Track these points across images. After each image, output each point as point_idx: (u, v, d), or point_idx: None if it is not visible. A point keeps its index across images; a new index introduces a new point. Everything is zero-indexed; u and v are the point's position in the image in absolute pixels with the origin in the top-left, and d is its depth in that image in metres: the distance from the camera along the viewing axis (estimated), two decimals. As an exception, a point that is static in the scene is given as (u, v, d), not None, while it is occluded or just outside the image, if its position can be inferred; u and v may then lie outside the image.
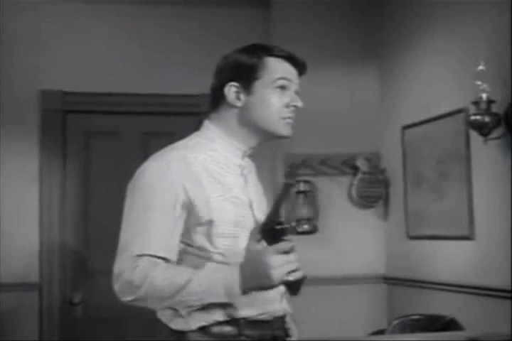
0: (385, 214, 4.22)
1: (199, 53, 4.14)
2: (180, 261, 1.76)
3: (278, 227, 1.73)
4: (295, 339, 1.93)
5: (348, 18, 4.30)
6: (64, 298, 3.98)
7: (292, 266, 1.71)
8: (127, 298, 1.69)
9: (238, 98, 1.83)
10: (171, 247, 1.74)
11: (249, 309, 1.76)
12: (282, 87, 1.83)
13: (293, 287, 1.71)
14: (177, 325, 1.75)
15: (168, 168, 1.75)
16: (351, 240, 4.17)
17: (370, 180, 4.15)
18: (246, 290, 1.65)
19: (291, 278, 1.68)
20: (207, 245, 1.77)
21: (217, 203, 1.77)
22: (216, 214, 1.76)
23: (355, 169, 4.17)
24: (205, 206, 1.75)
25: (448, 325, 3.17)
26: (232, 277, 1.65)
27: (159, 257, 1.70)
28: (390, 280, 4.13)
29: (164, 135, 3.75)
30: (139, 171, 1.80)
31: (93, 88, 4.05)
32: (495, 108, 3.02)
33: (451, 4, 3.53)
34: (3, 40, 3.99)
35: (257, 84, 1.83)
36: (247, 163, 1.95)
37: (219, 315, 1.73)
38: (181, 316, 1.74)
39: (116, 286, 1.70)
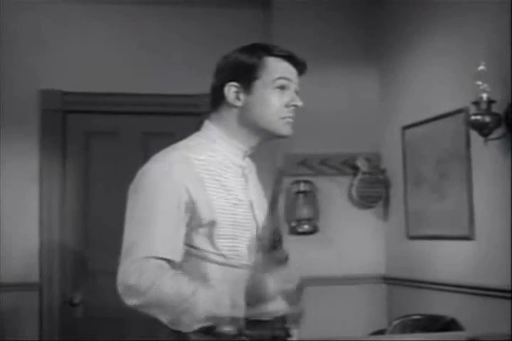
0: (385, 215, 4.22)
1: (199, 53, 4.14)
2: (182, 263, 1.76)
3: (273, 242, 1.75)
4: (295, 339, 1.93)
5: (349, 19, 4.30)
6: (64, 298, 3.98)
7: (289, 282, 1.70)
8: (132, 302, 1.68)
9: (238, 98, 1.83)
10: (175, 249, 1.74)
11: (248, 309, 1.76)
12: (282, 87, 1.83)
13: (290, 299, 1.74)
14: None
15: (170, 169, 1.75)
16: (351, 240, 4.17)
17: (370, 180, 4.15)
18: (250, 302, 1.65)
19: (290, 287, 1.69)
20: (208, 246, 1.77)
21: (219, 204, 1.77)
22: (217, 215, 1.76)
23: (355, 169, 4.18)
24: (206, 207, 1.75)
25: (448, 325, 3.17)
26: (238, 290, 1.66)
27: (165, 259, 1.70)
28: (390, 281, 4.13)
29: (164, 135, 3.75)
30: (140, 172, 1.80)
31: (93, 88, 4.05)
32: (495, 108, 3.02)
33: (451, 4, 3.53)
34: (3, 40, 3.99)
35: (257, 84, 1.83)
36: (248, 163, 1.95)
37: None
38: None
39: (121, 289, 1.69)
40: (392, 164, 4.13)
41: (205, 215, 1.75)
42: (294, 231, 4.10)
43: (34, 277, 3.94)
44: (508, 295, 3.00)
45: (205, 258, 1.77)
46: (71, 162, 4.11)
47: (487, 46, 3.21)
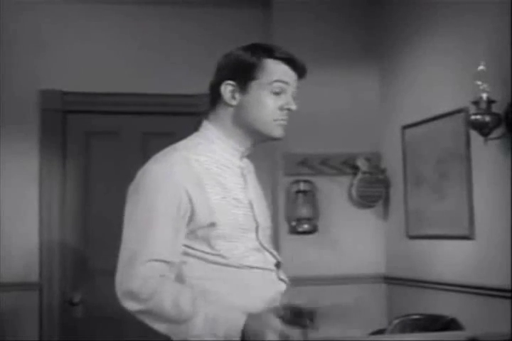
0: (385, 214, 4.22)
1: (199, 53, 4.14)
2: (181, 264, 1.76)
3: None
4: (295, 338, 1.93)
5: (349, 19, 4.30)
6: (64, 297, 3.98)
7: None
8: (131, 307, 1.69)
9: (233, 97, 1.84)
10: (176, 251, 1.74)
11: (249, 309, 1.76)
12: (278, 90, 1.83)
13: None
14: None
15: (171, 170, 1.75)
16: (351, 240, 4.17)
17: (370, 179, 4.15)
18: (245, 339, 1.64)
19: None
20: (207, 247, 1.77)
21: (219, 205, 1.77)
22: (217, 216, 1.76)
23: (355, 169, 4.17)
24: (206, 208, 1.75)
25: (448, 324, 3.17)
26: (237, 322, 1.64)
27: (166, 261, 1.71)
28: (390, 280, 4.13)
29: (164, 135, 3.75)
30: (140, 172, 1.80)
31: (93, 88, 4.05)
32: (495, 108, 3.01)
33: (451, 4, 3.53)
34: (3, 40, 3.99)
35: (253, 85, 1.83)
36: (246, 163, 1.95)
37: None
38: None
39: (122, 292, 1.70)
40: (392, 164, 4.13)
41: (205, 216, 1.75)
42: (293, 231, 4.10)
43: (34, 277, 3.94)
44: (508, 294, 3.00)
45: (204, 259, 1.77)
46: (71, 162, 4.11)
47: (487, 46, 3.21)
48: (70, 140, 4.11)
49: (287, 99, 1.84)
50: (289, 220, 4.13)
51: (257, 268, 1.81)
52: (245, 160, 1.95)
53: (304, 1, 4.22)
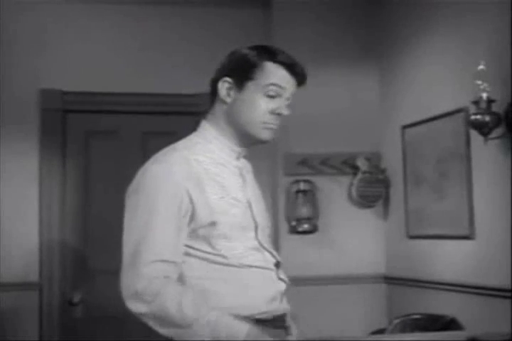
0: (385, 214, 4.22)
1: (199, 53, 4.14)
2: (182, 264, 1.76)
3: None
4: (295, 338, 1.93)
5: (349, 19, 4.30)
6: (64, 297, 3.98)
7: None
8: (137, 309, 1.69)
9: (229, 94, 1.84)
10: (178, 251, 1.75)
11: (249, 308, 1.76)
12: (273, 93, 1.83)
13: None
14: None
15: (171, 171, 1.75)
16: (351, 239, 4.17)
17: (370, 179, 4.15)
18: None
19: None
20: (208, 247, 1.77)
21: (218, 205, 1.77)
22: (217, 216, 1.76)
23: (355, 169, 4.17)
24: (206, 208, 1.75)
25: (448, 324, 3.17)
26: (240, 330, 1.66)
27: (169, 261, 1.71)
28: (390, 280, 4.13)
29: (164, 135, 3.75)
30: (140, 173, 1.80)
31: (93, 88, 4.05)
32: (495, 107, 3.01)
33: (451, 4, 3.53)
34: (3, 40, 3.99)
35: (250, 85, 1.83)
36: (244, 163, 1.96)
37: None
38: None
39: (127, 292, 1.70)
40: (392, 163, 4.13)
41: (205, 216, 1.75)
42: (293, 231, 4.10)
43: (34, 276, 3.94)
44: (508, 294, 3.00)
45: (204, 259, 1.77)
46: (71, 161, 4.11)
47: (487, 46, 3.21)
48: (69, 140, 4.11)
49: (280, 104, 1.84)
50: (289, 220, 4.13)
51: (256, 267, 1.81)
52: (243, 160, 1.95)
53: (304, 1, 4.22)
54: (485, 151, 3.16)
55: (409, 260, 3.93)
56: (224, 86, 1.85)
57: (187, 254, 1.77)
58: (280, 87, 1.83)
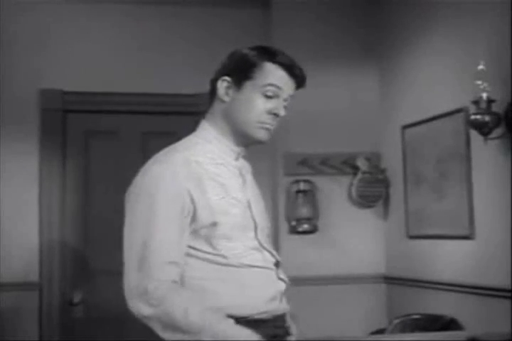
0: (385, 214, 4.22)
1: (199, 53, 4.14)
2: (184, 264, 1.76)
3: None
4: (295, 338, 1.93)
5: (349, 19, 4.30)
6: (64, 297, 3.98)
7: None
8: (143, 312, 1.68)
9: (227, 93, 1.85)
10: (182, 251, 1.75)
11: (248, 308, 1.76)
12: (271, 93, 1.83)
13: None
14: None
15: (172, 171, 1.75)
16: (351, 239, 4.17)
17: (370, 179, 4.15)
18: None
19: None
20: (208, 247, 1.77)
21: (219, 205, 1.78)
22: (218, 216, 1.76)
23: (355, 169, 4.17)
24: (207, 209, 1.76)
25: (448, 324, 3.17)
26: (248, 334, 1.67)
27: (175, 263, 1.71)
28: (390, 280, 4.13)
29: (164, 135, 3.75)
30: (141, 174, 1.80)
31: (93, 88, 4.05)
32: (495, 107, 3.01)
33: (451, 5, 3.53)
34: (3, 40, 3.99)
35: (248, 84, 1.83)
36: (243, 163, 1.96)
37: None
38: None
39: (136, 292, 1.69)
40: (392, 163, 4.13)
41: (206, 216, 1.75)
42: (293, 231, 4.10)
43: (34, 276, 3.94)
44: (508, 294, 3.00)
45: (204, 259, 1.77)
46: (71, 162, 4.11)
47: (487, 46, 3.21)
48: (69, 140, 4.11)
49: (278, 104, 1.84)
50: (289, 220, 4.13)
51: (256, 267, 1.81)
52: (242, 160, 1.95)
53: (304, 1, 4.22)
54: (485, 151, 3.16)
55: (409, 260, 3.93)
56: (223, 85, 1.85)
57: (187, 255, 1.77)
58: (278, 87, 1.84)
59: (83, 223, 4.09)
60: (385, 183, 4.18)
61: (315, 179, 4.16)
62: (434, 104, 3.67)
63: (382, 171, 4.19)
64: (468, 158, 3.35)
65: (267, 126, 1.85)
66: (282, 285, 1.86)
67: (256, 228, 1.86)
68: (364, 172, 4.15)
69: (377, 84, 4.30)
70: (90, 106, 4.12)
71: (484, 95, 2.99)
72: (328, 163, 4.18)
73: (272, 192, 4.16)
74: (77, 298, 3.98)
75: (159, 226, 1.71)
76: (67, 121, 4.11)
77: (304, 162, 4.15)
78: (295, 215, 4.09)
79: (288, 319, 1.90)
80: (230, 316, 1.72)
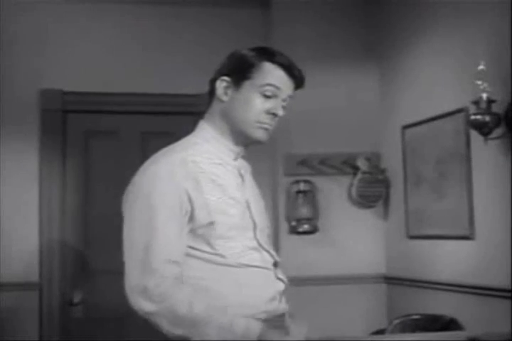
0: (385, 214, 4.22)
1: (199, 53, 4.14)
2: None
3: None
4: (295, 338, 1.93)
5: (348, 18, 4.30)
6: (64, 298, 3.98)
7: None
8: (145, 308, 1.68)
9: (226, 93, 1.86)
10: (182, 250, 1.75)
11: (247, 308, 1.76)
12: (269, 93, 1.84)
13: None
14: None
15: (170, 171, 1.75)
16: (351, 240, 4.17)
17: (370, 179, 4.15)
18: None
19: None
20: (207, 247, 1.77)
21: (216, 205, 1.78)
22: (215, 215, 1.77)
23: (355, 169, 4.17)
24: (204, 208, 1.76)
25: (448, 324, 3.17)
26: (253, 331, 1.68)
27: (176, 262, 1.71)
28: (390, 280, 4.13)
29: (164, 135, 3.75)
30: (139, 174, 1.80)
31: (93, 88, 4.05)
32: (495, 107, 3.01)
33: (451, 4, 3.53)
34: (3, 40, 3.99)
35: (247, 84, 1.84)
36: (242, 164, 1.96)
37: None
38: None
39: (137, 290, 1.69)
40: (392, 164, 4.13)
41: (203, 216, 1.75)
42: (293, 231, 4.10)
43: (34, 277, 3.94)
44: (508, 294, 3.00)
45: (203, 259, 1.77)
46: (71, 161, 4.11)
47: (487, 46, 3.21)
48: (69, 140, 4.11)
49: (276, 104, 1.85)
50: (289, 220, 4.13)
51: (254, 266, 1.81)
52: (241, 160, 1.96)
53: (304, 1, 4.22)
54: (485, 151, 3.16)
55: (409, 260, 3.93)
56: (221, 85, 1.86)
57: (186, 254, 1.77)
58: (277, 87, 1.84)
59: (83, 223, 4.09)
60: (385, 183, 4.18)
61: (315, 179, 4.16)
62: (434, 104, 3.67)
63: (382, 171, 4.19)
64: (468, 158, 3.35)
65: (266, 125, 1.85)
66: (281, 286, 1.86)
67: (255, 228, 1.86)
68: (364, 173, 4.15)
69: (377, 84, 4.30)
70: (90, 106, 4.12)
71: (484, 95, 2.99)
72: (328, 163, 4.18)
73: (272, 192, 4.16)
74: (77, 298, 3.98)
75: (158, 225, 1.72)
76: (67, 121, 4.11)
77: (304, 162, 4.14)
78: (295, 215, 4.09)
79: (287, 319, 1.90)
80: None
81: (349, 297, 4.11)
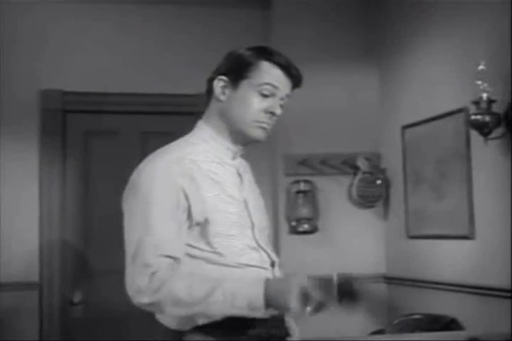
0: (385, 214, 4.22)
1: (199, 53, 4.14)
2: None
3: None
4: (295, 338, 1.93)
5: (348, 18, 4.30)
6: (64, 297, 3.98)
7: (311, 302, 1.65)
8: (142, 301, 1.68)
9: (223, 92, 1.86)
10: (179, 247, 1.75)
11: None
12: (267, 92, 1.84)
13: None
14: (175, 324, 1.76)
15: (166, 169, 1.76)
16: (351, 240, 4.17)
17: (370, 179, 4.15)
18: (268, 305, 1.64)
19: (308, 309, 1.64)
20: (205, 245, 1.77)
21: (213, 203, 1.78)
22: (211, 213, 1.77)
23: (355, 169, 4.17)
24: (201, 206, 1.76)
25: (448, 324, 3.17)
26: (257, 290, 1.64)
27: (172, 257, 1.71)
28: (391, 280, 4.13)
29: (163, 134, 3.72)
30: (136, 173, 1.81)
31: (93, 88, 4.05)
32: (495, 107, 3.01)
33: (451, 4, 3.53)
34: (3, 40, 3.99)
35: (244, 83, 1.84)
36: (241, 163, 1.96)
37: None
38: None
39: (131, 290, 1.70)
40: (392, 163, 4.13)
41: (200, 214, 1.76)
42: (294, 231, 4.10)
43: (34, 276, 3.94)
44: (508, 294, 3.00)
45: (200, 257, 1.77)
46: (71, 161, 4.11)
47: (487, 46, 3.21)
48: (69, 140, 4.11)
49: (274, 103, 1.85)
50: (289, 220, 4.13)
51: (252, 266, 1.81)
52: (240, 159, 1.96)
53: (304, 1, 4.22)
54: (485, 151, 3.16)
55: (409, 260, 3.93)
56: (219, 84, 1.86)
57: (184, 253, 1.77)
58: (274, 86, 1.84)
59: (83, 223, 4.09)
60: (385, 183, 4.18)
61: (315, 179, 4.16)
62: (434, 104, 3.67)
63: (382, 171, 4.19)
64: (468, 158, 3.35)
65: (264, 125, 1.85)
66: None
67: (253, 227, 1.87)
68: (364, 173, 4.15)
69: (377, 84, 4.30)
70: (90, 106, 4.12)
71: (484, 95, 2.99)
72: (328, 163, 4.18)
73: (272, 192, 4.16)
74: (77, 298, 3.98)
75: (153, 222, 1.72)
76: (67, 121, 4.11)
77: (304, 162, 4.14)
78: (295, 215, 4.09)
79: (288, 319, 1.90)
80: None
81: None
